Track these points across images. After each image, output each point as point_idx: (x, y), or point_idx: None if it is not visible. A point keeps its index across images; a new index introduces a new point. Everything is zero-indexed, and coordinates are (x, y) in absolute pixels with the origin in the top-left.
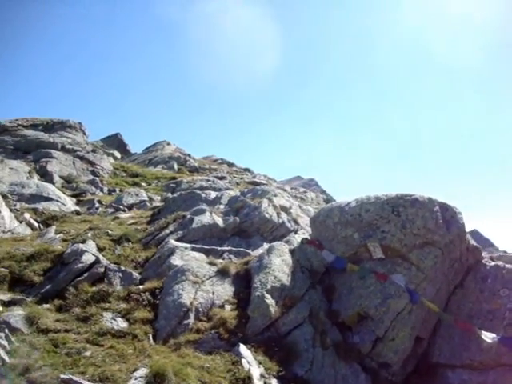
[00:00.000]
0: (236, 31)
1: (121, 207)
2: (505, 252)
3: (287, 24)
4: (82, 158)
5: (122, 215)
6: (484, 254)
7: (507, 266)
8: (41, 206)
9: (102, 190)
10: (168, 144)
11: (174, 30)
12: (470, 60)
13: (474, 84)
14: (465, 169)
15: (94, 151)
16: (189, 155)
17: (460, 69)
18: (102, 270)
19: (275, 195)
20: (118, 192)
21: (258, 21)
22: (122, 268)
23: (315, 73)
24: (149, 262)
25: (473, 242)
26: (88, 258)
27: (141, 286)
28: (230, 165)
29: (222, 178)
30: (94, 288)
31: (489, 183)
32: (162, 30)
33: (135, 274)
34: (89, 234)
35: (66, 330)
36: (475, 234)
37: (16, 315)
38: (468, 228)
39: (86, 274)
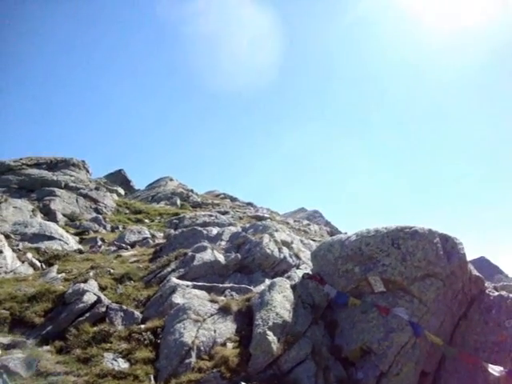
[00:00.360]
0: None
1: (123, 245)
2: None
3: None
4: (85, 196)
5: (125, 253)
6: (487, 283)
7: (511, 295)
8: (43, 245)
9: (105, 228)
10: (171, 180)
11: (176, 45)
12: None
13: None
14: (476, 193)
15: (97, 188)
16: (191, 191)
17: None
18: (104, 309)
19: (276, 230)
20: (121, 229)
21: (260, 40)
22: (124, 307)
23: (314, 100)
24: (150, 300)
25: (475, 272)
26: (89, 298)
27: (142, 326)
28: (233, 199)
29: (224, 213)
30: (95, 328)
31: (501, 207)
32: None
33: (137, 313)
34: (91, 273)
35: (66, 373)
36: (483, 261)
37: (15, 358)
38: (476, 255)
39: (87, 314)
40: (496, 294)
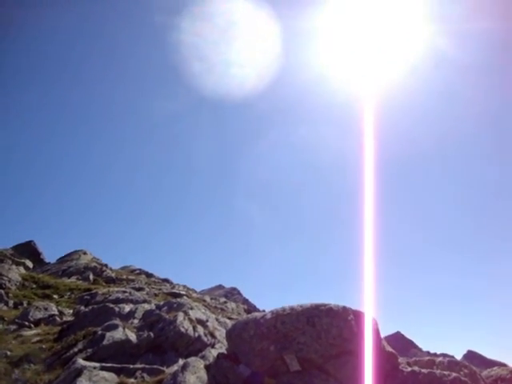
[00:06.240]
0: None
1: (26, 323)
2: (428, 352)
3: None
4: None
5: (27, 332)
6: (401, 359)
7: (423, 370)
8: None
9: (6, 304)
10: (84, 253)
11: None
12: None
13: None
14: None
15: (1, 260)
16: (106, 265)
17: None
18: None
19: (191, 308)
20: (25, 305)
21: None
22: None
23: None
24: None
25: (389, 349)
26: None
27: None
28: (149, 275)
29: (139, 289)
30: None
31: (416, 285)
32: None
33: None
34: None
35: None
36: (398, 336)
37: None
38: (392, 330)
39: None
40: (409, 369)
